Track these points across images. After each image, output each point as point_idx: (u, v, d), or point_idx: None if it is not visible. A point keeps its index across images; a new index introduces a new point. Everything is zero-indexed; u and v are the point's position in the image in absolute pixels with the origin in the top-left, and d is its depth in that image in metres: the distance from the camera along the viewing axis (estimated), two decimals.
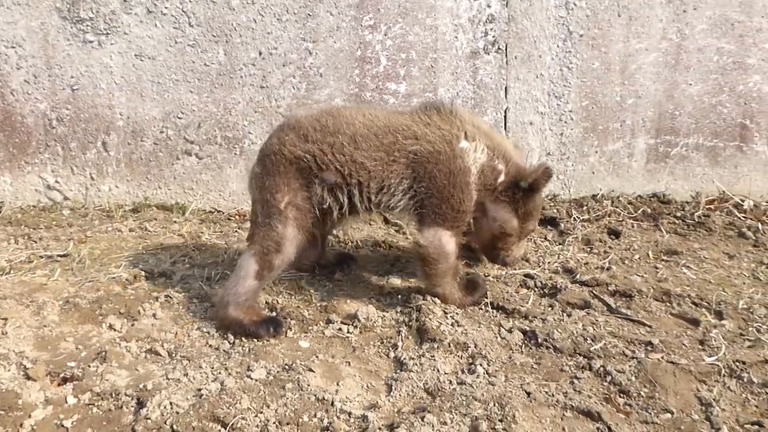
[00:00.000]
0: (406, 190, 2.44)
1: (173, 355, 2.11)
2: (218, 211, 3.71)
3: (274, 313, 2.46)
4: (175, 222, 3.47)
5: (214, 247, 3.08)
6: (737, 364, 2.15)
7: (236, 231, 3.38)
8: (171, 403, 1.78)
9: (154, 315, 2.35)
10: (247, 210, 3.68)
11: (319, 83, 3.57)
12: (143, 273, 2.74)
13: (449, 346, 2.20)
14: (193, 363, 2.05)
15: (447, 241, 2.42)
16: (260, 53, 3.51)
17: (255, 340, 2.23)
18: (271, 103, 3.58)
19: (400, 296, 2.58)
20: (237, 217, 3.65)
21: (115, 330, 2.26)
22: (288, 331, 2.32)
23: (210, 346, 2.19)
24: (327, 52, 3.53)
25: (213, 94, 3.55)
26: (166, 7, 3.42)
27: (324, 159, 2.40)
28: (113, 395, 1.85)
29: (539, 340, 2.26)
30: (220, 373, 1.99)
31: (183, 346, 2.17)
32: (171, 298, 2.49)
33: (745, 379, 2.08)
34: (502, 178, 2.52)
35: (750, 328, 2.44)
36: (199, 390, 1.87)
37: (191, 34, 3.46)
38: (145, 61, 3.48)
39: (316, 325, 2.37)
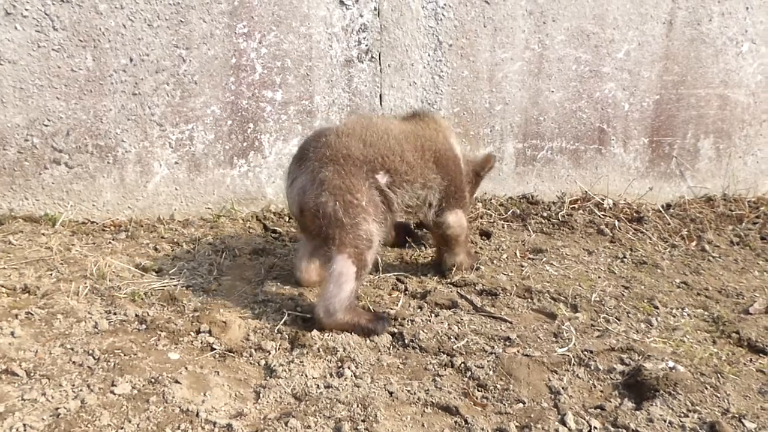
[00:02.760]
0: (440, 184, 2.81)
1: (31, 374, 2.04)
2: (91, 222, 3.58)
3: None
4: (43, 234, 3.32)
5: (85, 260, 2.99)
6: (585, 353, 2.33)
7: (110, 242, 3.29)
8: (24, 425, 1.73)
9: (12, 333, 2.25)
10: (122, 220, 3.59)
11: (194, 91, 3.53)
12: (3, 289, 2.61)
13: (319, 351, 2.25)
14: (52, 381, 1.99)
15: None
16: (131, 59, 3.43)
17: (122, 355, 2.19)
18: (145, 110, 3.50)
19: (273, 304, 2.61)
20: (111, 227, 3.54)
21: None
22: (157, 342, 2.30)
23: (73, 362, 2.13)
24: (201, 59, 3.50)
25: (82, 100, 3.43)
26: (26, 9, 3.27)
27: (383, 160, 2.59)
28: None
29: (406, 341, 2.35)
30: (81, 390, 1.95)
31: (43, 365, 2.10)
32: (32, 314, 2.39)
33: (592, 367, 2.26)
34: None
35: (600, 319, 2.65)
36: (57, 409, 1.83)
37: (56, 38, 3.33)
38: (5, 65, 3.31)
39: (187, 335, 2.36)
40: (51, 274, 2.81)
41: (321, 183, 2.45)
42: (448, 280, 2.93)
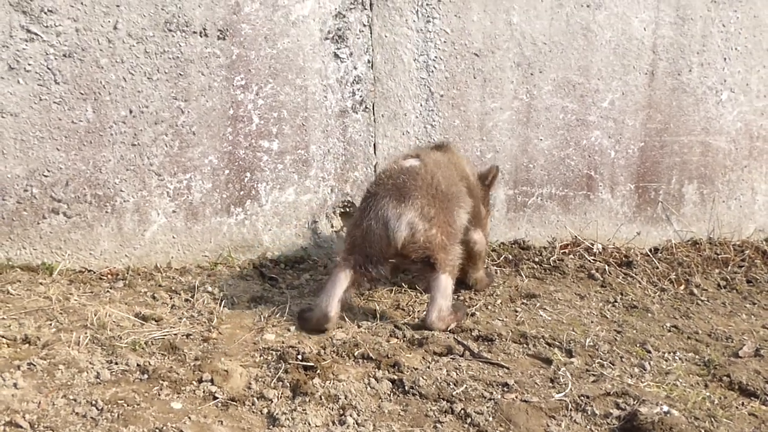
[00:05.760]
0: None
1: (35, 426, 2.05)
2: (89, 271, 3.61)
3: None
4: (41, 284, 3.34)
5: (84, 309, 3.00)
6: (582, 398, 2.38)
7: (108, 291, 3.31)
8: None
9: (14, 385, 2.26)
10: (119, 269, 3.61)
11: (192, 141, 3.61)
12: (4, 340, 2.62)
13: (321, 399, 2.28)
14: None
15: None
16: (131, 111, 3.51)
17: (125, 405, 2.21)
18: (143, 161, 3.57)
19: (273, 352, 2.64)
20: (109, 276, 3.56)
21: None
22: (160, 392, 2.32)
23: (76, 413, 2.14)
24: (199, 110, 3.59)
25: (81, 151, 3.49)
26: (29, 64, 3.35)
27: (455, 191, 3.10)
28: None
29: (406, 388, 2.39)
30: None
31: (47, 416, 2.11)
32: (34, 365, 2.41)
33: (589, 412, 2.31)
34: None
35: (594, 364, 2.70)
36: None
37: (57, 91, 3.41)
38: (6, 118, 3.37)
39: (190, 384, 2.38)
40: (51, 324, 2.82)
41: (431, 219, 2.91)
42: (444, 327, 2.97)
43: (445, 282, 2.93)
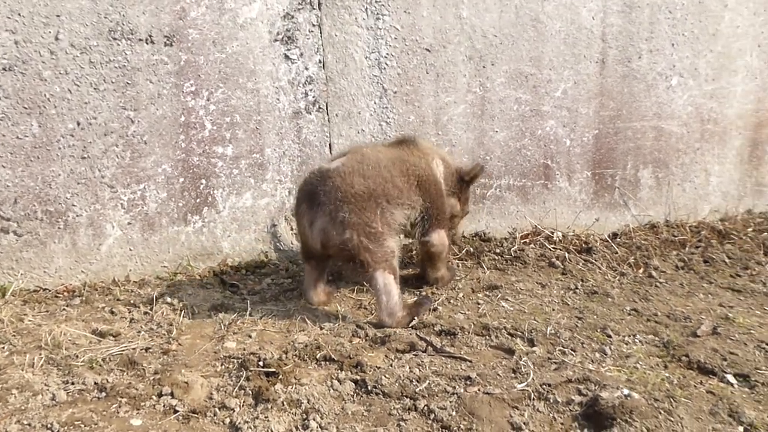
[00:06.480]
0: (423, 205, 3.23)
1: None
2: (44, 289, 3.52)
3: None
4: None
5: (38, 330, 2.93)
6: (544, 387, 2.39)
7: (64, 309, 3.23)
8: None
9: None
10: (76, 285, 3.54)
11: (144, 151, 3.55)
12: None
13: (283, 405, 2.26)
14: None
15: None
16: (79, 123, 3.43)
17: (82, 426, 2.16)
18: (95, 173, 3.49)
19: (235, 360, 2.60)
20: (65, 293, 3.49)
21: None
22: (118, 410, 2.27)
23: None
24: (150, 119, 3.53)
25: (29, 167, 3.41)
26: None
27: (382, 188, 3.00)
28: None
29: (369, 388, 2.38)
30: None
31: None
32: None
33: (551, 400, 2.32)
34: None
35: (556, 352, 2.72)
36: None
37: None
38: None
39: (149, 399, 2.33)
40: (3, 348, 2.75)
41: (341, 223, 2.91)
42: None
43: (381, 279, 2.92)
